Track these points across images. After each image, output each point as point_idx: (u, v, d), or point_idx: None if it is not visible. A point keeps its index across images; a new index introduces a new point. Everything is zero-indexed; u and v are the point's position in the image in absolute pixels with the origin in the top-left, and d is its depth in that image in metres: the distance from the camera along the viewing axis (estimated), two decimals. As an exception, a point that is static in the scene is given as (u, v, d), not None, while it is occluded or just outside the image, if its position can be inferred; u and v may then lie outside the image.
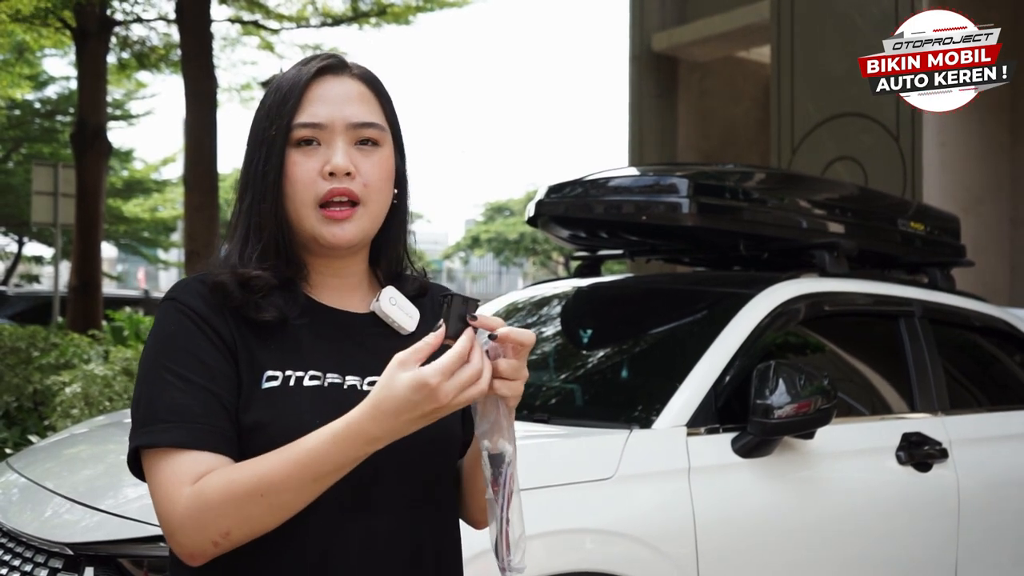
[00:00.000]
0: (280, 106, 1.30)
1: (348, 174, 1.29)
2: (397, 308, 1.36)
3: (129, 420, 3.75)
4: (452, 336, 1.15)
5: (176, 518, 1.18)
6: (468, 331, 1.15)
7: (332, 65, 1.34)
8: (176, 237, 25.43)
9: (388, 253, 1.41)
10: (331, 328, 1.33)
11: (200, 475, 1.19)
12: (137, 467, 1.27)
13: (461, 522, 1.45)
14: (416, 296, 1.42)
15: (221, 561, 1.22)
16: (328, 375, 1.29)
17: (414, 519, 1.31)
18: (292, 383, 1.26)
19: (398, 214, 1.40)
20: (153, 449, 1.21)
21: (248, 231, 1.31)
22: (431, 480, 1.33)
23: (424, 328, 1.35)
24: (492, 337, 1.17)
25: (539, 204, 3.70)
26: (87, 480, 2.63)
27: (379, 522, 1.28)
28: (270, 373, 1.26)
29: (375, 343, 1.34)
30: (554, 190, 3.72)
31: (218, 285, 1.28)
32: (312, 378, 1.28)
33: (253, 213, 1.31)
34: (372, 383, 1.29)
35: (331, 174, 1.28)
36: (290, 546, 1.24)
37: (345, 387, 1.29)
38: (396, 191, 1.38)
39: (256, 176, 1.31)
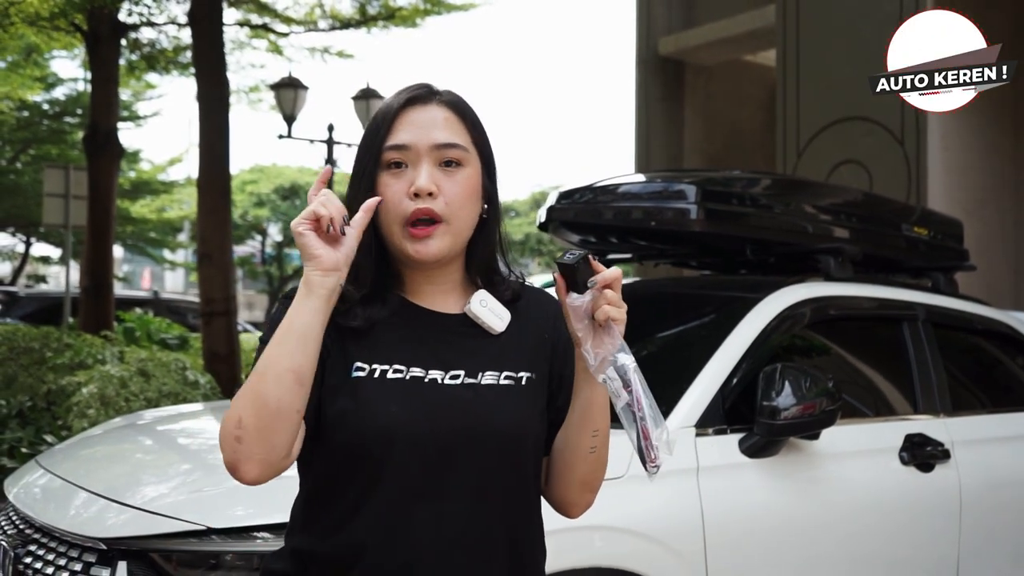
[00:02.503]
0: (374, 134, 1.45)
1: (430, 194, 1.41)
2: (487, 310, 1.48)
3: (143, 421, 3.82)
4: (581, 292, 1.37)
5: (219, 435, 1.32)
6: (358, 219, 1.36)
7: (419, 95, 1.47)
8: (183, 238, 25.50)
9: (480, 261, 1.52)
10: (422, 328, 1.46)
11: None
12: None
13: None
14: (510, 300, 1.53)
15: (300, 530, 1.43)
16: (412, 369, 1.41)
17: (484, 507, 1.41)
18: (376, 375, 1.39)
19: (487, 227, 1.51)
20: None
21: None
22: (501, 471, 1.43)
23: (514, 329, 1.49)
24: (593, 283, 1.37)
25: (550, 210, 3.77)
26: (116, 477, 2.71)
27: (448, 507, 1.39)
28: (358, 364, 1.41)
29: (461, 341, 1.46)
30: (565, 196, 3.80)
31: None
32: (395, 372, 1.41)
33: None
34: (454, 377, 1.42)
35: (415, 194, 1.41)
36: (361, 524, 1.38)
37: (426, 380, 1.41)
38: (486, 206, 1.49)
39: (353, 199, 1.44)
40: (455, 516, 1.39)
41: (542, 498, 1.57)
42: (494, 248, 1.53)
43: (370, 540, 1.38)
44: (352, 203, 1.43)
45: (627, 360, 1.35)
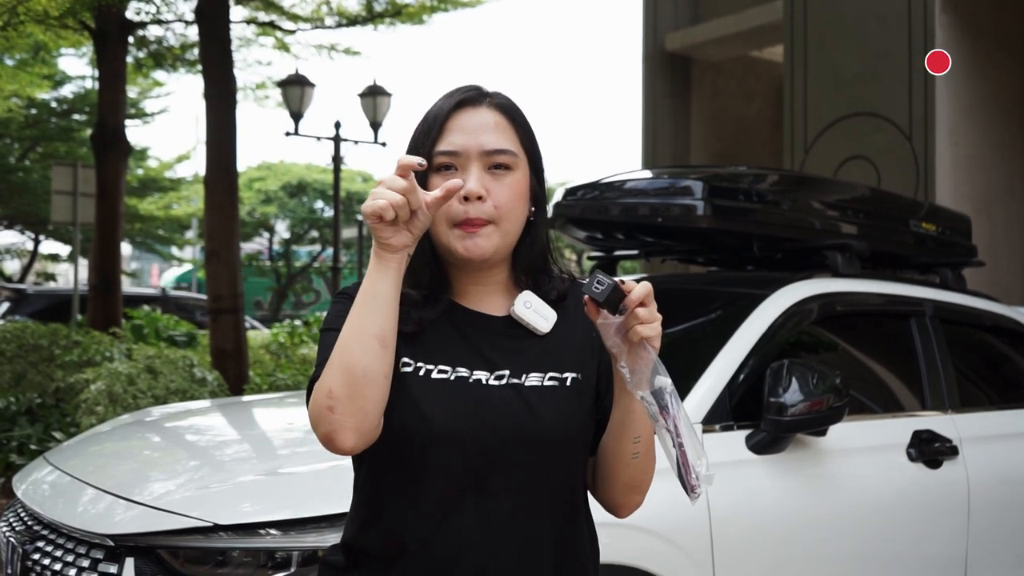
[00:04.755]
0: (425, 136, 1.46)
1: (480, 198, 1.42)
2: (532, 311, 1.49)
3: (151, 418, 3.86)
4: (614, 314, 1.35)
5: (308, 413, 1.36)
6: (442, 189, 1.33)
7: (471, 97, 1.48)
8: (190, 235, 25.55)
9: (525, 263, 1.52)
10: (469, 329, 1.48)
11: None
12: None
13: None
14: (556, 300, 1.53)
15: (351, 523, 1.46)
16: (458, 369, 1.43)
17: (527, 506, 1.42)
18: (422, 373, 1.43)
19: (534, 228, 1.52)
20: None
21: None
22: (545, 470, 1.44)
23: (561, 328, 1.50)
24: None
25: (556, 206, 3.77)
26: (124, 474, 2.72)
27: (492, 505, 1.40)
28: (405, 360, 1.43)
29: (506, 342, 1.47)
30: (571, 192, 3.79)
31: None
32: (440, 371, 1.43)
33: None
34: (499, 377, 1.44)
35: (465, 198, 1.42)
36: (404, 520, 1.41)
37: (471, 380, 1.43)
38: (533, 208, 1.51)
39: None
40: (498, 515, 1.41)
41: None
42: (541, 249, 1.54)
43: (413, 536, 1.40)
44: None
45: (665, 383, 1.34)
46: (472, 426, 1.40)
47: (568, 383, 1.47)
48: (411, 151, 1.47)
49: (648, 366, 1.35)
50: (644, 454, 1.48)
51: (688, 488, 1.34)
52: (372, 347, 1.31)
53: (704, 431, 2.79)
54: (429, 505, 1.40)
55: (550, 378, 1.46)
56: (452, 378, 1.43)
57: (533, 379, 1.45)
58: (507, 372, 1.45)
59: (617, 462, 1.49)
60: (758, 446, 2.84)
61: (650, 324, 1.34)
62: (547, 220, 1.55)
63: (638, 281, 1.41)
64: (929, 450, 3.28)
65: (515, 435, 1.41)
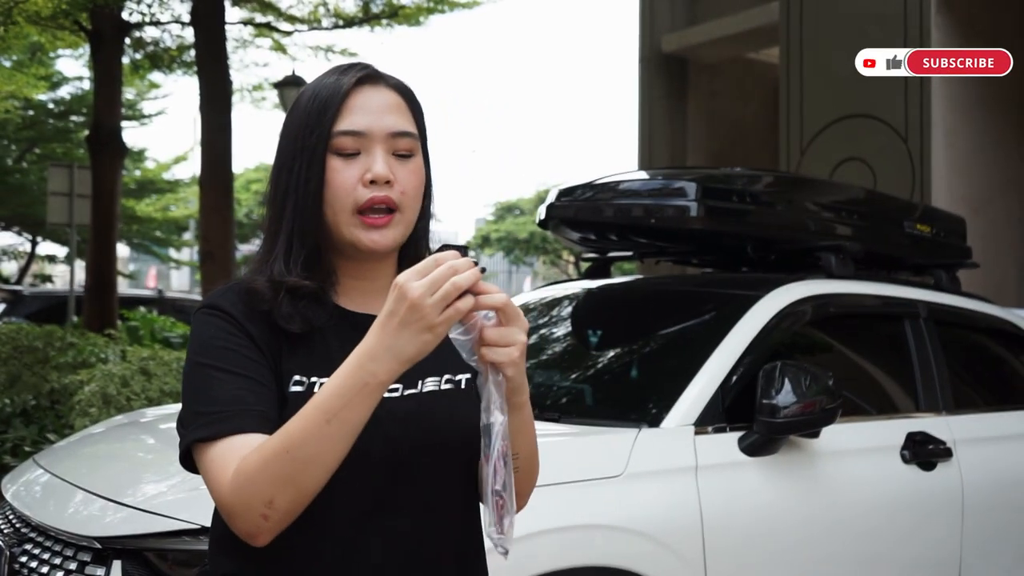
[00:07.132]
0: (320, 114, 1.33)
1: (388, 182, 1.32)
2: None
3: (146, 419, 3.79)
4: None
5: (225, 500, 1.20)
6: (451, 251, 1.16)
7: (370, 75, 1.36)
8: (188, 236, 25.54)
9: (413, 257, 1.41)
10: (357, 333, 1.27)
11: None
12: (191, 464, 1.29)
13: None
14: None
15: (250, 557, 1.27)
16: None
17: (434, 520, 1.34)
18: (316, 388, 1.29)
19: (423, 219, 1.42)
20: (205, 443, 1.23)
21: (291, 238, 1.34)
22: (449, 482, 1.36)
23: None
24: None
25: (550, 207, 3.76)
26: (113, 476, 2.71)
27: (399, 523, 1.31)
28: (296, 378, 1.30)
29: None
30: (564, 193, 3.78)
31: (252, 291, 1.31)
32: None
33: (296, 220, 1.33)
34: (393, 389, 1.32)
35: (372, 182, 1.31)
36: (313, 547, 1.29)
37: None
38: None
39: (298, 184, 1.33)
40: (405, 532, 1.31)
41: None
42: (427, 240, 1.44)
43: (322, 562, 1.29)
44: (299, 187, 1.32)
45: (497, 419, 1.20)
46: (369, 446, 1.24)
47: (463, 385, 1.39)
48: (299, 131, 1.33)
49: (492, 392, 1.20)
50: (524, 469, 1.38)
51: (496, 541, 1.21)
52: (331, 471, 1.18)
53: (696, 432, 2.78)
54: (333, 531, 1.28)
55: (446, 381, 1.38)
56: None
57: (430, 384, 1.36)
58: (400, 385, 1.33)
59: None
60: (751, 448, 2.83)
61: (501, 348, 1.19)
62: (432, 211, 1.43)
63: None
64: (923, 452, 3.27)
65: (417, 447, 1.31)
